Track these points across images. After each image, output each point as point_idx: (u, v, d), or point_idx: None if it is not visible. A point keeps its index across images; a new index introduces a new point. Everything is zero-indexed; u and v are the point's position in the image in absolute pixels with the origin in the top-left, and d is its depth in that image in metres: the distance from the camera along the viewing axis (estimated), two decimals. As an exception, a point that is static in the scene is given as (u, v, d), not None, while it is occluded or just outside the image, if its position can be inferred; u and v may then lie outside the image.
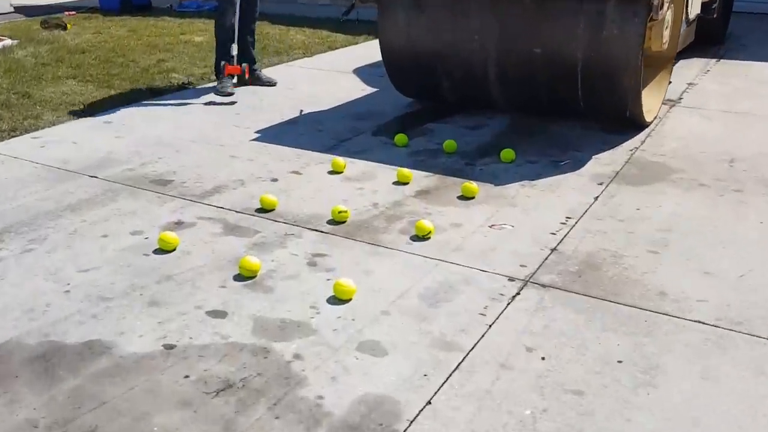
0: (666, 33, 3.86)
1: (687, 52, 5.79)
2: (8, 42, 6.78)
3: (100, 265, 2.67)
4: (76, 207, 3.22)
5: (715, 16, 5.86)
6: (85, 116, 4.71)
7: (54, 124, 4.53)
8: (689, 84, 5.25)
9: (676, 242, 2.79)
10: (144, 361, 2.09)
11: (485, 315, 2.29)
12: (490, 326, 2.23)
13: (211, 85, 5.53)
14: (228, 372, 2.02)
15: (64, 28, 7.67)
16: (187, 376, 2.01)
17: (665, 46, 3.98)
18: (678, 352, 2.10)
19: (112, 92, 5.27)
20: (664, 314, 2.30)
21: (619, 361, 2.05)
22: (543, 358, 2.07)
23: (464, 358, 2.08)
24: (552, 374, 2.00)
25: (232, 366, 2.05)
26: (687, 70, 5.61)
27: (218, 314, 2.32)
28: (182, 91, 5.40)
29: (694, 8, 4.99)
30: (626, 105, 3.91)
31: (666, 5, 3.65)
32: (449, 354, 2.10)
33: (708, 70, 5.69)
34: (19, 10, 10.74)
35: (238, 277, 2.56)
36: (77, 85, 5.46)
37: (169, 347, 2.14)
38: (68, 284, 2.54)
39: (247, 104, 4.97)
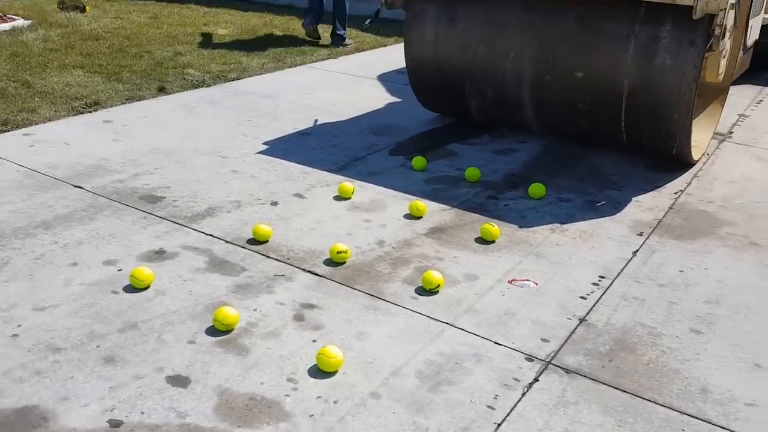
0: (722, 63, 3.42)
1: (739, 79, 5.32)
2: (20, 23, 6.51)
3: (60, 303, 2.35)
4: (51, 224, 2.90)
5: (773, 40, 5.38)
6: (86, 112, 4.41)
7: (50, 120, 4.23)
8: (740, 115, 4.79)
9: (724, 320, 2.38)
10: (82, 441, 1.75)
11: (494, 408, 1.91)
12: (499, 425, 1.85)
13: (228, 83, 5.22)
14: (178, 466, 1.68)
15: (83, 10, 7.39)
16: (128, 468, 1.67)
17: (720, 77, 3.54)
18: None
19: (120, 86, 4.96)
20: (706, 421, 1.90)
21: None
22: (561, 476, 1.69)
23: (464, 467, 1.71)
24: (570, 502, 1.62)
25: (184, 457, 1.71)
26: (738, 98, 5.13)
27: (180, 381, 1.98)
28: (196, 90, 5.07)
29: (754, 34, 4.52)
30: (674, 142, 3.48)
31: (728, 35, 3.21)
32: (447, 460, 1.73)
33: (761, 100, 5.21)
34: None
35: (212, 331, 2.21)
36: (84, 75, 5.16)
37: (115, 425, 1.80)
38: (19, 326, 2.22)
39: (261, 110, 4.63)
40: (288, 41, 6.85)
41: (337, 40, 6.74)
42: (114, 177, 3.42)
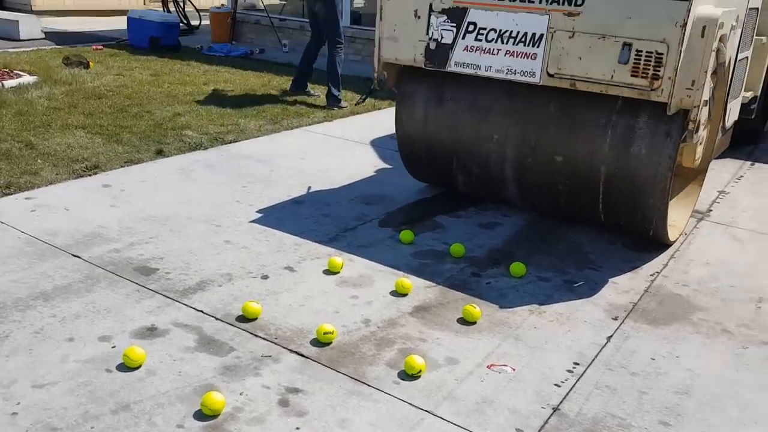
0: (699, 150, 3.60)
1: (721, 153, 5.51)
2: (26, 79, 6.71)
3: (57, 380, 2.44)
4: (50, 296, 3.01)
5: (753, 116, 5.60)
6: (86, 175, 4.55)
7: (51, 183, 4.37)
8: (720, 192, 4.97)
9: (692, 413, 2.49)
10: None
11: (467, 502, 2.00)
12: None
13: (225, 146, 5.39)
14: None
15: (87, 66, 7.61)
16: None
17: (697, 163, 3.71)
18: None
19: (119, 148, 5.12)
20: None
21: None
22: None
23: None
24: None
25: None
26: (719, 173, 5.32)
27: (168, 468, 2.07)
28: (193, 152, 5.22)
29: (733, 115, 4.72)
30: (650, 225, 3.64)
31: (702, 127, 3.39)
32: None
33: (741, 176, 5.40)
34: (49, 35, 10.80)
35: (200, 415, 2.30)
36: (85, 136, 5.32)
37: None
38: (18, 403, 2.31)
39: (257, 175, 4.78)
40: (285, 102, 7.05)
41: (332, 102, 6.96)
42: (111, 246, 3.54)
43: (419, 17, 3.75)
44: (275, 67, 8.91)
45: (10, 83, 6.50)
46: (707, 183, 4.66)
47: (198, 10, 12.58)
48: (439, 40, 3.72)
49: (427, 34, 3.76)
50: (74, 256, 3.41)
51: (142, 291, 3.12)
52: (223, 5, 11.05)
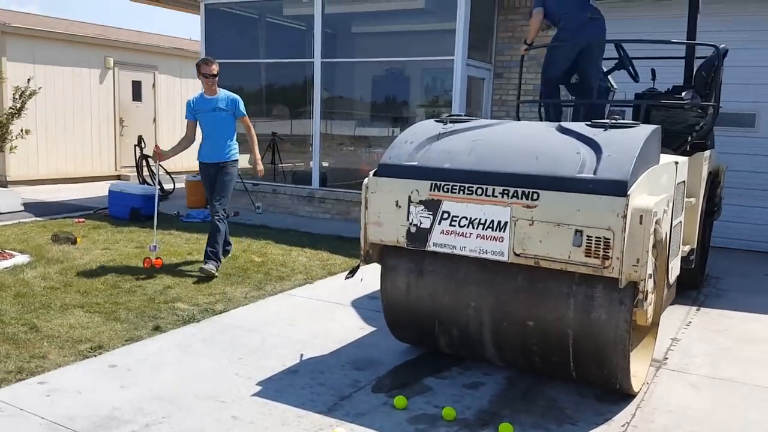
0: (650, 311, 4.13)
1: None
2: (19, 259, 7.06)
3: None
4: (79, 484, 3.24)
5: (693, 266, 6.27)
6: (91, 356, 4.84)
7: (60, 365, 4.64)
8: (673, 339, 5.50)
9: None
10: None
11: None
12: None
13: (216, 317, 5.74)
14: None
15: (74, 242, 8.02)
16: None
17: (650, 321, 4.24)
18: None
19: (118, 326, 5.44)
20: None
21: None
22: None
23: None
24: None
25: None
26: (668, 320, 5.88)
27: None
28: (187, 325, 5.57)
29: (675, 271, 5.36)
30: (616, 380, 4.09)
31: (650, 295, 3.94)
32: None
33: (690, 322, 5.97)
34: (27, 207, 11.25)
35: None
36: (84, 315, 5.64)
37: None
38: None
39: (250, 346, 5.13)
40: (265, 267, 7.52)
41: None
42: (128, 428, 3.80)
43: (400, 206, 4.34)
44: (252, 230, 9.45)
45: (4, 264, 6.84)
46: (661, 330, 5.19)
47: (170, 174, 13.28)
48: (418, 225, 4.29)
49: (408, 219, 4.34)
50: (95, 441, 3.66)
51: (165, 473, 3.37)
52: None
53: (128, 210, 9.74)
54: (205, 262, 7.02)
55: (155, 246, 7.36)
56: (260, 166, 7.53)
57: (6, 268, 6.80)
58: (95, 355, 4.86)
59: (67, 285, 6.44)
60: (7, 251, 7.34)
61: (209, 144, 7.27)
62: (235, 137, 7.37)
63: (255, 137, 7.55)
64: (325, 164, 11.57)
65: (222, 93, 7.27)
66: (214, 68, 7.12)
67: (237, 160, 7.36)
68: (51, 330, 5.27)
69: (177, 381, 4.48)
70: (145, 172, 13.01)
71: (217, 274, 6.99)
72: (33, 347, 4.91)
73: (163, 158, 7.35)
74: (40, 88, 7.47)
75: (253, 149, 7.57)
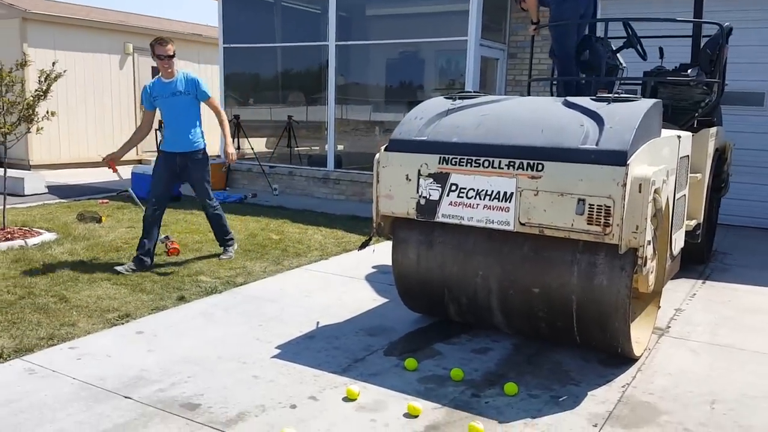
0: (651, 278, 4.30)
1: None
2: (47, 236, 7.35)
3: (135, 504, 2.92)
4: (113, 434, 3.51)
5: (699, 241, 6.42)
6: (119, 324, 5.10)
7: (89, 333, 4.91)
8: (677, 310, 5.67)
9: (665, 499, 3.03)
10: None
11: None
12: None
13: (237, 288, 5.99)
14: None
15: (99, 220, 8.31)
16: None
17: (651, 289, 4.42)
18: None
19: (144, 297, 5.71)
20: None
21: None
22: None
23: None
24: None
25: None
26: (674, 293, 6.05)
27: None
28: (210, 296, 5.83)
29: (679, 244, 5.52)
30: (617, 343, 4.28)
31: (650, 260, 4.12)
32: None
33: (694, 294, 6.13)
34: (51, 190, 11.58)
35: None
36: (111, 287, 5.91)
37: None
38: None
39: (269, 315, 5.38)
40: (282, 244, 7.76)
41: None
42: (155, 387, 4.06)
43: (410, 180, 4.54)
44: (270, 210, 9.70)
45: (33, 241, 7.14)
46: (664, 301, 5.37)
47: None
48: (427, 197, 4.49)
49: (417, 192, 4.54)
50: (126, 397, 3.92)
51: (191, 424, 3.63)
52: (219, 156, 12.00)
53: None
54: (225, 251, 7.09)
55: (167, 237, 7.23)
56: (231, 150, 6.92)
57: (35, 245, 7.10)
58: (123, 323, 5.13)
59: (94, 260, 6.71)
60: (35, 229, 7.64)
61: (171, 132, 6.70)
62: (199, 123, 6.75)
63: (226, 121, 6.94)
64: (339, 147, 11.79)
65: (180, 74, 6.64)
66: (170, 48, 6.49)
67: (204, 149, 6.82)
68: (80, 301, 5.54)
69: (201, 345, 4.74)
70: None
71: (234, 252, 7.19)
72: (63, 316, 5.18)
73: (116, 161, 6.94)
74: (65, 71, 7.68)
75: (224, 132, 6.96)
